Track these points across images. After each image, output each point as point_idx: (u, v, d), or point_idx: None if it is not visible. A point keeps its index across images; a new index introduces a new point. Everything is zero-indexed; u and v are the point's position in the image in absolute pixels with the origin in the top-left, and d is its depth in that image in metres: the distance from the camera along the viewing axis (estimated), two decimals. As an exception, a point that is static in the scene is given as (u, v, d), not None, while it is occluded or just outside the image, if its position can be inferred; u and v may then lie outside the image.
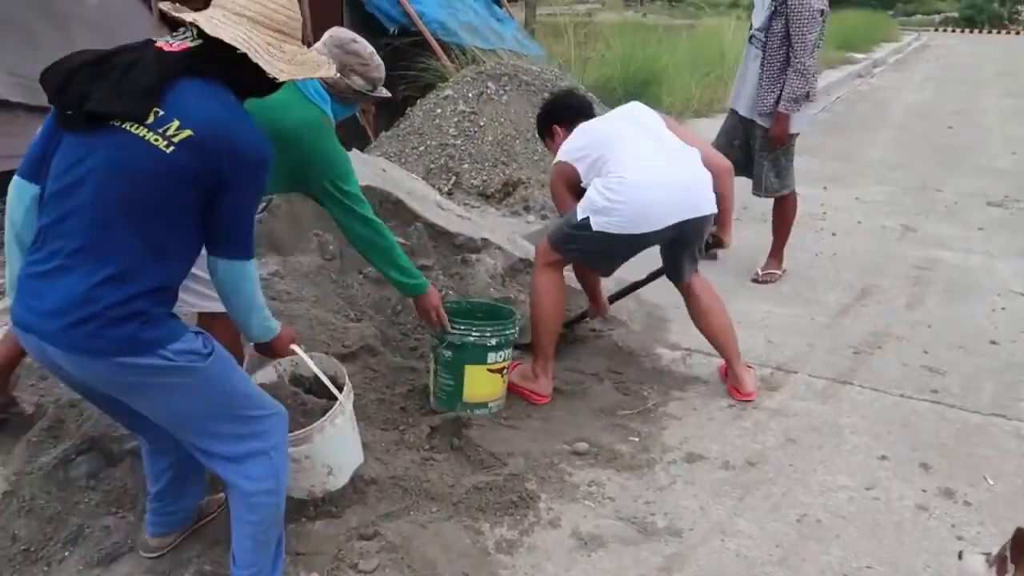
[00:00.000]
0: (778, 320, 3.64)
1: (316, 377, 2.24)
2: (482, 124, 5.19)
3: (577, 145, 2.86)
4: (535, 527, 2.22)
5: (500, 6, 12.87)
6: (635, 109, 3.00)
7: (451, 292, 3.48)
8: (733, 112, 4.22)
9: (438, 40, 9.51)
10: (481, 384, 2.65)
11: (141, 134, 1.52)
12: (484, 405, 2.69)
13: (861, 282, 4.13)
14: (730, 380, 3.03)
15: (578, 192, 2.84)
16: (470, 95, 5.39)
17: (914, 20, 42.09)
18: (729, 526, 2.24)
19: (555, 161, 2.94)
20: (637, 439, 2.66)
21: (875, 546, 2.15)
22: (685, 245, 2.90)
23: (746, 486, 2.42)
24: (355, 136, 7.88)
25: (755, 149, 4.10)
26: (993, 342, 3.44)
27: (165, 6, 1.69)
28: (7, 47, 8.20)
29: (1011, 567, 1.37)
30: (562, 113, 3.08)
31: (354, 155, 3.74)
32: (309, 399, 2.24)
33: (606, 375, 3.08)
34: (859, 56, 17.82)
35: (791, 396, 2.97)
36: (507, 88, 5.41)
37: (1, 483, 2.22)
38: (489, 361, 2.64)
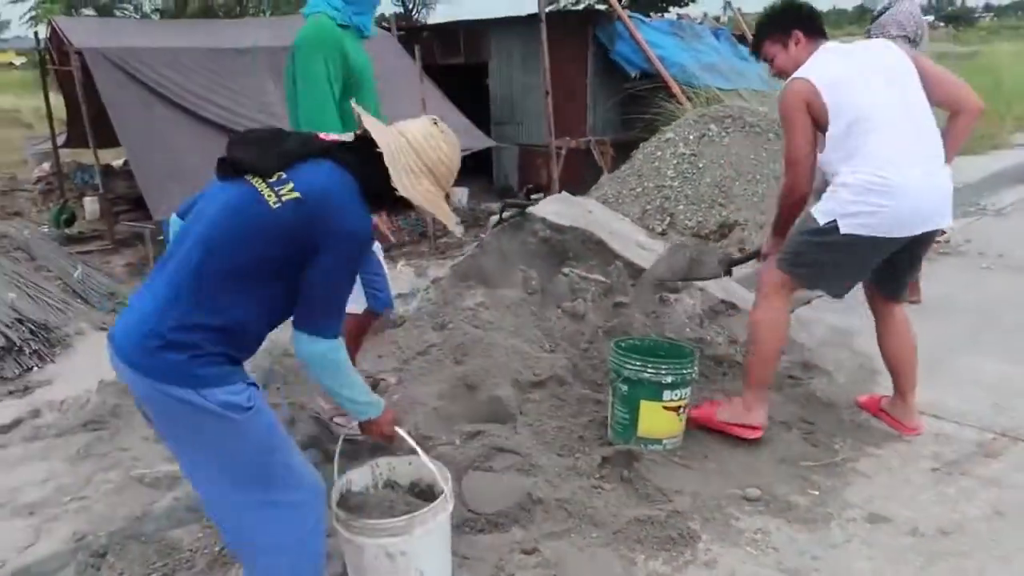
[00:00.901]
0: (1013, 382, 3.24)
1: (411, 486, 2.21)
2: (701, 166, 5.21)
3: (831, 75, 2.52)
4: (689, 565, 2.23)
5: (746, 45, 12.69)
6: (887, 55, 2.60)
7: (648, 330, 3.56)
8: None
9: (677, 82, 9.64)
10: (656, 421, 2.71)
11: (259, 187, 1.69)
12: (659, 441, 2.74)
13: None
14: (893, 411, 2.89)
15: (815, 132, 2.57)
16: (691, 137, 5.44)
17: None
18: (904, 595, 2.08)
19: (796, 76, 2.57)
20: (817, 492, 2.55)
21: (1082, 643, 1.88)
22: (915, 256, 2.74)
23: (932, 556, 2.22)
24: (594, 175, 8.23)
25: None
26: None
27: (358, 110, 1.88)
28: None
29: None
30: (808, 19, 2.72)
31: (563, 198, 4.00)
32: (411, 502, 2.15)
33: (796, 424, 2.96)
34: None
35: (1013, 466, 2.65)
36: (729, 130, 5.39)
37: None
38: (664, 398, 2.68)
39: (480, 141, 11.67)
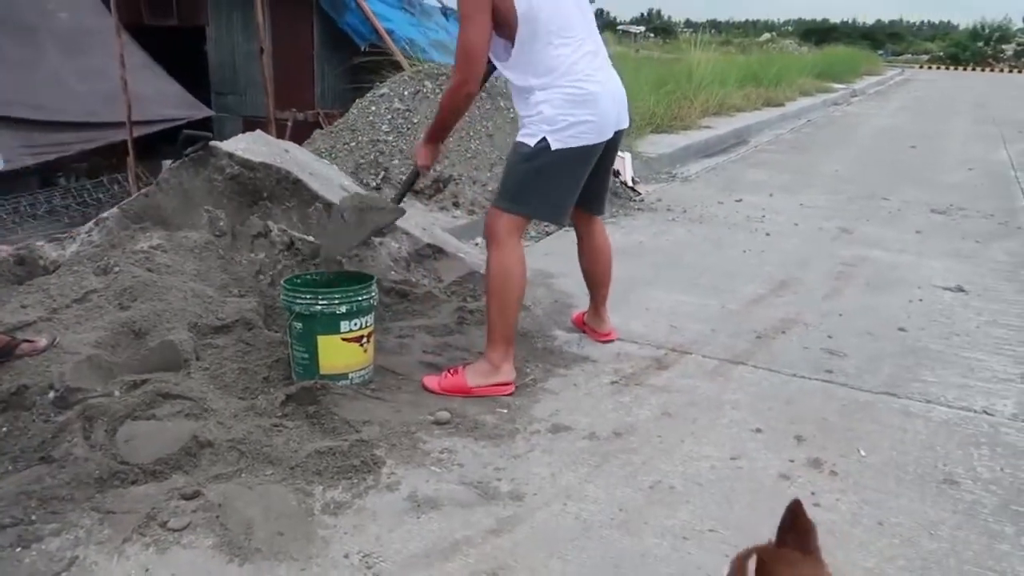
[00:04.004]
0: (687, 308, 3.54)
1: None
2: (415, 121, 5.14)
3: None
4: (370, 491, 2.09)
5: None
6: None
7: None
8: None
9: (406, 56, 9.57)
10: (337, 354, 2.53)
11: None
12: (344, 376, 2.57)
13: (782, 276, 4.04)
14: (590, 323, 3.11)
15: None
16: (406, 93, 5.35)
17: (901, 58, 42.82)
18: (576, 492, 2.11)
19: None
20: (506, 411, 2.54)
21: (725, 511, 2.03)
22: (602, 164, 2.73)
23: (606, 455, 2.30)
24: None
25: None
26: (902, 329, 3.34)
27: None
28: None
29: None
30: None
31: (255, 136, 3.68)
32: None
33: (492, 354, 2.96)
34: (838, 86, 18.03)
35: (680, 375, 2.86)
36: (443, 87, 5.36)
37: None
38: (342, 330, 2.51)
39: (197, 110, 10.74)
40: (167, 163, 9.75)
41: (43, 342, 2.59)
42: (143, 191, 3.28)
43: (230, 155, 3.32)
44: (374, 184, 4.80)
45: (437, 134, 2.75)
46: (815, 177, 7.09)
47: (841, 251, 4.57)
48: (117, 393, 2.44)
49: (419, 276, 3.58)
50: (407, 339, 3.06)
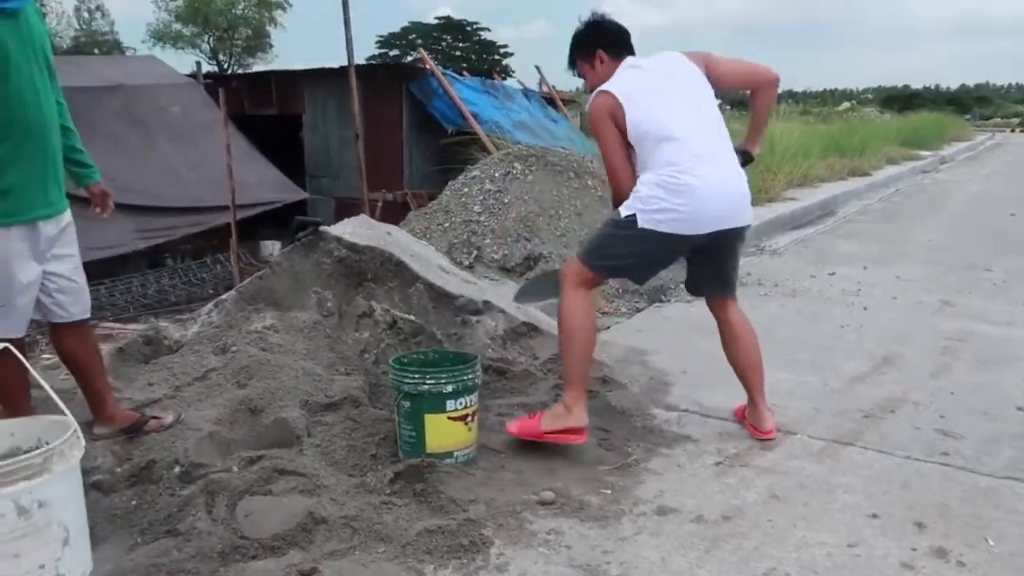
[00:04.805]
0: (787, 386, 3.47)
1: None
2: (506, 201, 5.30)
3: (629, 89, 2.70)
4: (480, 571, 2.11)
5: (556, 108, 13.41)
6: (679, 70, 2.79)
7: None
8: None
9: (492, 138, 9.93)
10: (443, 433, 2.59)
11: None
12: (449, 455, 2.62)
13: (884, 352, 3.93)
14: (750, 418, 2.97)
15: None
16: (496, 175, 5.54)
17: (990, 122, 41.58)
18: (688, 577, 2.08)
19: (603, 90, 2.73)
20: (610, 491, 2.54)
21: (846, 603, 1.96)
22: (715, 256, 2.84)
23: (715, 539, 2.25)
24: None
25: None
26: (1020, 408, 3.18)
27: None
28: (94, 150, 8.97)
29: None
30: (610, 39, 2.88)
31: (360, 220, 3.88)
32: None
33: (592, 432, 2.95)
34: (925, 153, 17.61)
35: (785, 456, 2.80)
36: (533, 168, 5.55)
37: None
38: (448, 409, 2.58)
39: (292, 193, 11.35)
40: (266, 243, 10.29)
41: (169, 418, 2.75)
42: (257, 274, 3.49)
43: (338, 239, 3.51)
44: (467, 263, 4.94)
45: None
46: (909, 247, 6.91)
47: (944, 325, 4.41)
48: (236, 468, 2.56)
49: (515, 354, 3.65)
50: (506, 417, 3.10)
